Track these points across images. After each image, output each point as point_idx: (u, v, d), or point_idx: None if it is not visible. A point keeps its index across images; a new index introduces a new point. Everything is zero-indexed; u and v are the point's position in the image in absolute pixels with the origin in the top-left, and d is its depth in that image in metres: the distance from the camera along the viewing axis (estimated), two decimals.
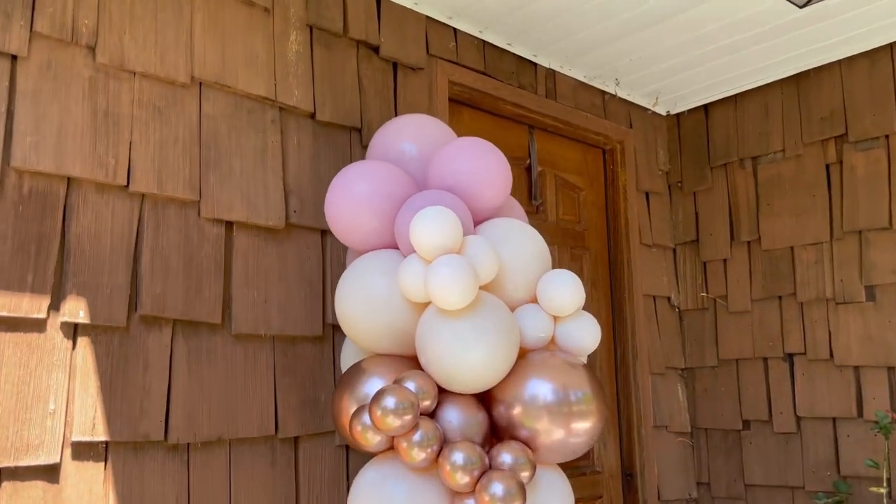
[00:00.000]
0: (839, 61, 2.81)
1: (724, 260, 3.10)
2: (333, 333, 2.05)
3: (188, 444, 1.74)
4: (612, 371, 3.05)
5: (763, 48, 2.74)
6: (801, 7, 2.42)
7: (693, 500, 3.05)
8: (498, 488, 1.43)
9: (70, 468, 1.56)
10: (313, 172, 2.07)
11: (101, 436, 1.60)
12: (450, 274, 1.49)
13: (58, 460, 1.54)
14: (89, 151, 1.66)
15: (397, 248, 1.73)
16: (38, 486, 1.52)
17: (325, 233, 2.06)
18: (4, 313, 1.50)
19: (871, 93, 2.72)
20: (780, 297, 2.90)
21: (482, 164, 1.78)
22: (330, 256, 2.07)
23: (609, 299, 3.09)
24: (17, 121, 1.57)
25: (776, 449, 2.85)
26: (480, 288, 1.58)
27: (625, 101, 3.17)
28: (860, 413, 2.63)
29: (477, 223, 1.78)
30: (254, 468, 1.84)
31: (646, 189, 3.20)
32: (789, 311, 2.87)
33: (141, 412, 1.67)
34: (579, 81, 2.97)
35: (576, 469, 2.77)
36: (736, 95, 3.12)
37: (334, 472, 1.99)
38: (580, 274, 2.91)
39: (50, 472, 1.53)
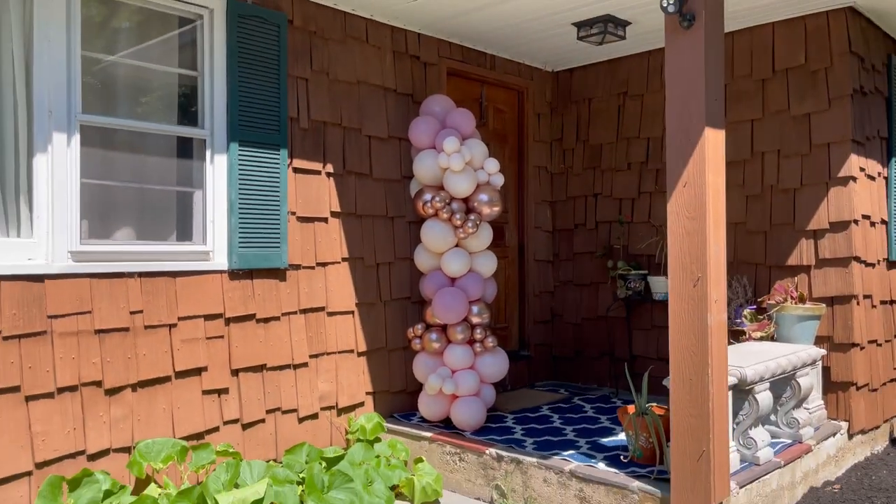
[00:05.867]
0: (635, 54, 6.00)
1: (572, 149, 6.41)
2: (403, 178, 5.25)
3: (361, 215, 4.98)
4: (517, 201, 6.39)
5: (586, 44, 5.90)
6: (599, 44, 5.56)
7: (549, 261, 6.52)
8: (471, 224, 4.74)
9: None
10: (397, 115, 5.20)
11: (336, 208, 4.83)
12: (458, 158, 4.70)
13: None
14: None
15: (434, 148, 4.93)
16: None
17: (400, 140, 5.22)
18: (306, 167, 4.65)
19: (638, 73, 5.94)
20: (594, 167, 6.24)
21: (464, 119, 4.96)
22: (403, 152, 5.24)
23: (517, 167, 6.36)
24: None
25: (587, 235, 6.30)
26: (466, 163, 4.80)
27: (529, 66, 6.29)
28: (617, 219, 6.05)
29: (465, 138, 4.98)
30: (379, 227, 5.10)
31: (538, 112, 6.40)
32: (597, 175, 6.21)
33: (356, 206, 4.89)
34: (506, 58, 6.08)
35: (496, 246, 6.15)
36: (585, 65, 6.29)
37: (406, 230, 5.28)
38: (503, 156, 6.16)
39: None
